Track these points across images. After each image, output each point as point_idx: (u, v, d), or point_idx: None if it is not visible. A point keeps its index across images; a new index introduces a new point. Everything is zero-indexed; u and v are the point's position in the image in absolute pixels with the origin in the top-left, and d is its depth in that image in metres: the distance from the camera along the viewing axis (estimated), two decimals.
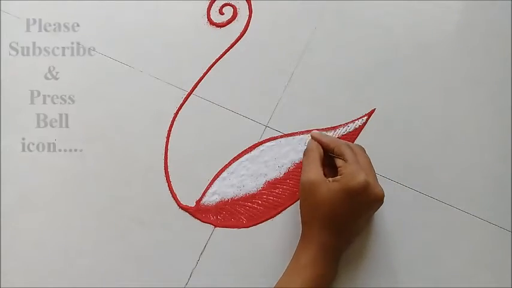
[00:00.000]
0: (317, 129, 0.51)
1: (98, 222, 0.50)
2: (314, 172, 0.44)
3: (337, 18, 0.56)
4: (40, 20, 0.56)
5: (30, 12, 0.57)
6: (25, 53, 0.55)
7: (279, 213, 0.49)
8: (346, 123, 0.52)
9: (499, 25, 0.55)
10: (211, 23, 0.56)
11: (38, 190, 0.51)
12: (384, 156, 0.50)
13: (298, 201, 0.47)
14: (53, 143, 0.52)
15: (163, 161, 0.51)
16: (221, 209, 0.50)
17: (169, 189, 0.50)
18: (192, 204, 0.50)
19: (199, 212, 0.50)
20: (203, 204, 0.50)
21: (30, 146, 0.52)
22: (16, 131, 0.53)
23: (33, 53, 0.55)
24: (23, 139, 0.52)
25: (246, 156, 0.51)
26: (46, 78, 0.54)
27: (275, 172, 0.51)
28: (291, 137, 0.52)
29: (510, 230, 0.48)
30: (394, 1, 0.56)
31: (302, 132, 0.52)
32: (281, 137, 0.52)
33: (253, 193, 0.50)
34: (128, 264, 0.48)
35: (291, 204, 0.49)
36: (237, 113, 0.53)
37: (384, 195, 0.43)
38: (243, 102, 0.53)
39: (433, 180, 0.50)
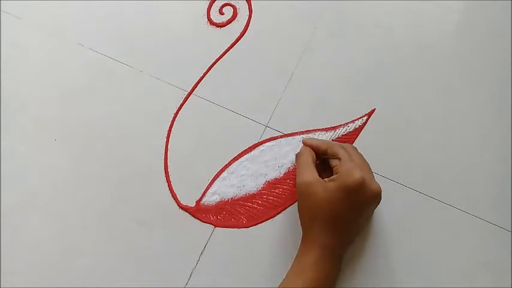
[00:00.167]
0: (317, 129, 0.52)
1: (98, 222, 0.50)
2: (308, 173, 0.44)
3: (337, 18, 0.56)
4: (40, 19, 0.56)
5: (30, 12, 0.57)
6: (25, 52, 0.55)
7: (279, 213, 0.49)
8: (346, 123, 0.52)
9: (499, 25, 0.55)
10: (211, 23, 0.56)
11: (38, 190, 0.51)
12: (384, 156, 0.50)
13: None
14: (53, 143, 0.52)
15: (163, 161, 0.51)
16: (221, 209, 0.50)
17: (169, 189, 0.50)
18: (192, 204, 0.50)
19: (199, 212, 0.50)
20: (203, 204, 0.50)
21: (30, 146, 0.52)
22: (16, 131, 0.53)
23: (33, 53, 0.55)
24: (23, 139, 0.52)
25: (246, 156, 0.51)
26: (46, 78, 0.54)
27: (275, 172, 0.51)
28: (291, 137, 0.52)
29: (510, 230, 0.48)
30: (394, 1, 0.56)
31: (302, 132, 0.52)
32: (281, 137, 0.52)
33: (253, 193, 0.50)
34: (128, 264, 0.48)
35: (291, 204, 0.49)
36: (237, 113, 0.53)
37: (380, 191, 0.43)
38: (243, 102, 0.53)
39: (433, 180, 0.50)
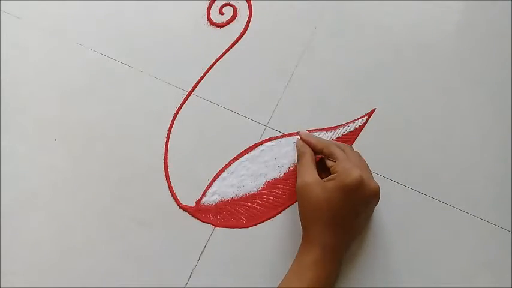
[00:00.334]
0: (317, 129, 0.52)
1: (98, 222, 0.50)
2: (309, 175, 0.44)
3: (337, 18, 0.56)
4: (40, 19, 0.56)
5: (30, 12, 0.57)
6: (25, 52, 0.55)
7: (279, 213, 0.49)
8: (346, 123, 0.52)
9: (499, 25, 0.55)
10: (211, 23, 0.56)
11: (38, 190, 0.51)
12: (384, 156, 0.50)
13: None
14: (53, 143, 0.52)
15: (163, 161, 0.51)
16: (221, 209, 0.50)
17: (169, 189, 0.50)
18: (192, 204, 0.50)
19: (199, 212, 0.50)
20: (203, 204, 0.50)
21: (30, 146, 0.52)
22: (16, 131, 0.53)
23: (33, 53, 0.55)
24: (23, 139, 0.52)
25: (246, 156, 0.51)
26: (46, 78, 0.54)
27: (275, 172, 0.51)
28: (291, 137, 0.52)
29: (510, 230, 0.48)
30: (394, 1, 0.56)
31: None
32: (281, 137, 0.52)
33: (253, 193, 0.50)
34: (128, 264, 0.48)
35: (291, 204, 0.49)
36: (237, 113, 0.53)
37: (379, 189, 0.43)
38: (243, 102, 0.53)
39: (433, 180, 0.50)
